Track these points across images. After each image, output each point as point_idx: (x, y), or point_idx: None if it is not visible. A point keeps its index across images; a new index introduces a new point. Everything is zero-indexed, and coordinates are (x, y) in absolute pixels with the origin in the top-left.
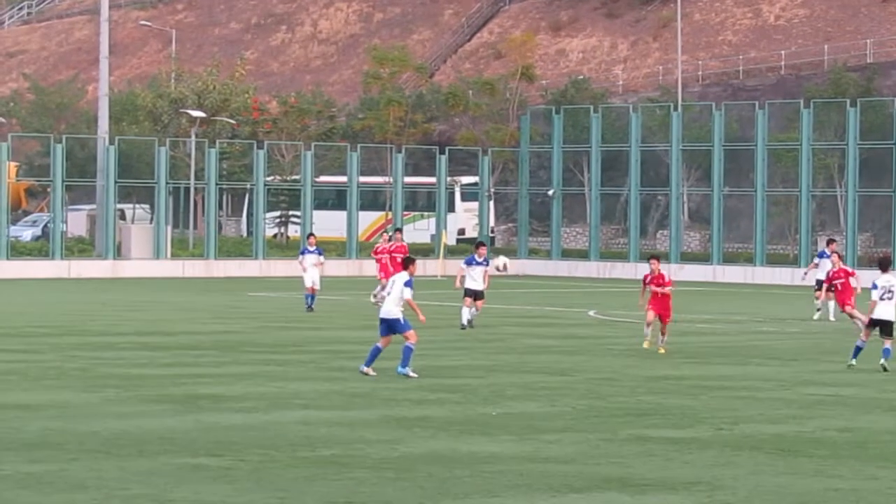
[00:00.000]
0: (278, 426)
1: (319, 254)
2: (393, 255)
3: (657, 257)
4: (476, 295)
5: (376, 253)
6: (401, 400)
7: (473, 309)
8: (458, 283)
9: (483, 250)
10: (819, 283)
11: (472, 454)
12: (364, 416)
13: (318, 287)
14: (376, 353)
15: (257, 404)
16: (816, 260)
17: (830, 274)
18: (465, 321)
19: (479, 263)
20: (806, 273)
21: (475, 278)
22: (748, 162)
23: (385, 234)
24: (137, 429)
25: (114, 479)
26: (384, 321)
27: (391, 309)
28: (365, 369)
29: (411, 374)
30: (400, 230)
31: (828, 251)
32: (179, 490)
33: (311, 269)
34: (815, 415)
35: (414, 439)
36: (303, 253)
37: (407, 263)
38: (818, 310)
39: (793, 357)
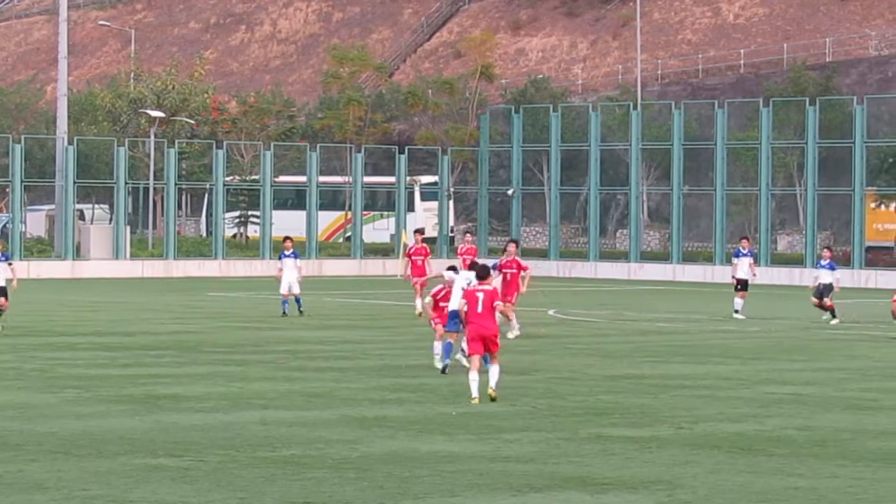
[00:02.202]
0: (238, 426)
1: (296, 257)
2: (412, 257)
3: (515, 242)
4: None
5: (409, 255)
6: (360, 400)
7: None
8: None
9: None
10: (739, 282)
11: (431, 454)
12: (324, 416)
13: (296, 291)
14: (450, 347)
15: (217, 404)
16: (734, 259)
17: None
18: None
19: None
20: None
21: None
22: (708, 161)
23: (417, 234)
24: (97, 429)
25: (73, 480)
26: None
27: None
28: (454, 359)
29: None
30: (420, 231)
31: (743, 250)
32: (139, 490)
33: (287, 273)
34: (775, 413)
35: (374, 439)
36: (281, 257)
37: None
38: (736, 310)
39: (753, 356)
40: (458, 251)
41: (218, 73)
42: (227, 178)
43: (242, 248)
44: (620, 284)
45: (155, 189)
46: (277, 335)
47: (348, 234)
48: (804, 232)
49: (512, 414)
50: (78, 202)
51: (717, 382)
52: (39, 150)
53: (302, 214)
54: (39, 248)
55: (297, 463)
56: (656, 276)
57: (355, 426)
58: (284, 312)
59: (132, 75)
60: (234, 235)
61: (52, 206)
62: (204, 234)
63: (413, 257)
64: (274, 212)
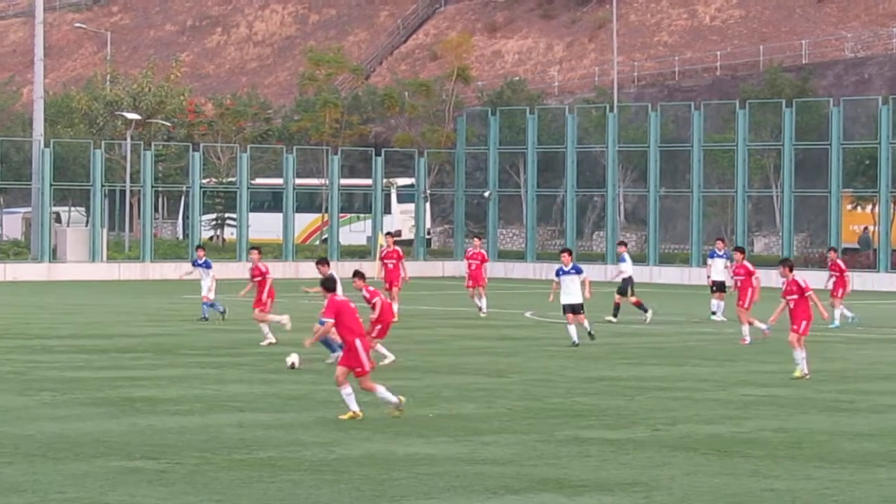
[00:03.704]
0: (214, 429)
1: (208, 267)
2: (384, 261)
3: (479, 236)
4: (574, 309)
5: (382, 259)
6: (337, 402)
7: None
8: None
9: (567, 258)
10: (716, 283)
11: (408, 456)
12: (300, 419)
13: (211, 297)
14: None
15: (193, 407)
16: (709, 260)
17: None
18: (574, 339)
19: (566, 273)
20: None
21: (569, 291)
22: (684, 163)
23: (388, 237)
24: (73, 432)
25: (49, 482)
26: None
27: None
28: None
29: None
30: (391, 234)
31: (718, 251)
32: (115, 493)
33: (205, 280)
34: (751, 415)
35: (350, 441)
36: (194, 265)
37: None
38: (713, 312)
39: (729, 358)
40: (466, 255)
41: (194, 76)
42: (204, 181)
43: (219, 250)
44: (597, 286)
45: (131, 191)
46: (253, 338)
47: (325, 236)
48: (781, 234)
49: (489, 416)
50: (54, 205)
51: (693, 384)
52: (16, 153)
53: (279, 217)
54: (15, 251)
55: (273, 465)
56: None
57: (332, 429)
58: (204, 317)
59: (108, 78)
60: (211, 238)
61: (29, 209)
62: (181, 237)
63: (385, 261)
64: (250, 214)
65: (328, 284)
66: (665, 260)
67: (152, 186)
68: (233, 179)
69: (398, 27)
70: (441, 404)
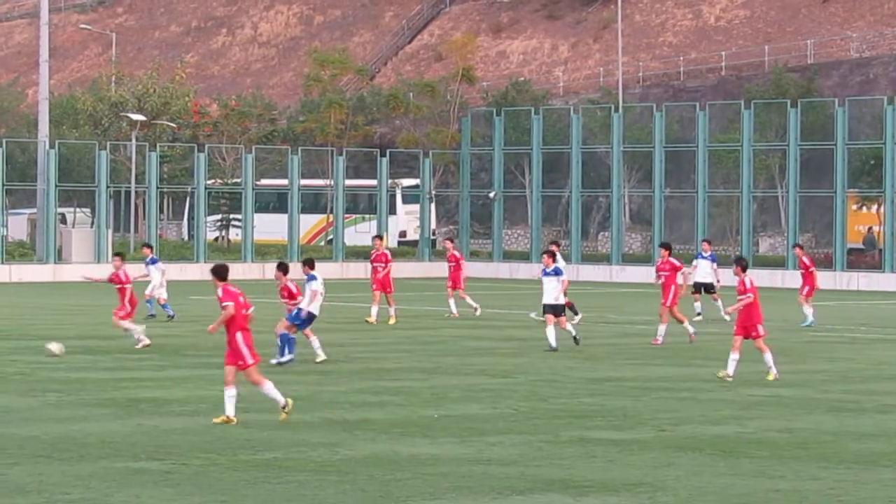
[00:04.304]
0: (219, 430)
1: (154, 263)
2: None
3: (380, 237)
4: (555, 310)
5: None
6: (342, 403)
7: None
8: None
9: (548, 259)
10: (697, 285)
11: (413, 456)
12: (305, 419)
13: (165, 296)
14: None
15: (198, 408)
16: (694, 262)
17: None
18: (552, 343)
19: (546, 274)
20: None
21: (549, 292)
22: (689, 163)
23: (377, 240)
24: (78, 433)
25: (55, 484)
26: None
27: None
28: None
29: None
30: (380, 237)
31: (704, 253)
32: (121, 494)
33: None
34: (756, 415)
35: (356, 442)
36: (146, 264)
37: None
38: (698, 313)
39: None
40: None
41: (199, 77)
42: (209, 182)
43: (224, 251)
44: (602, 287)
45: (136, 192)
46: (258, 338)
47: (330, 237)
48: (786, 234)
49: (494, 416)
50: (60, 206)
51: (698, 385)
52: (21, 154)
53: (284, 217)
54: (21, 252)
55: (278, 466)
56: (638, 279)
57: (337, 429)
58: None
59: (113, 79)
60: (216, 239)
61: (34, 210)
62: (186, 238)
63: (374, 264)
64: (256, 215)
65: (221, 273)
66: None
67: (157, 187)
68: (238, 180)
69: (403, 28)
70: (446, 405)
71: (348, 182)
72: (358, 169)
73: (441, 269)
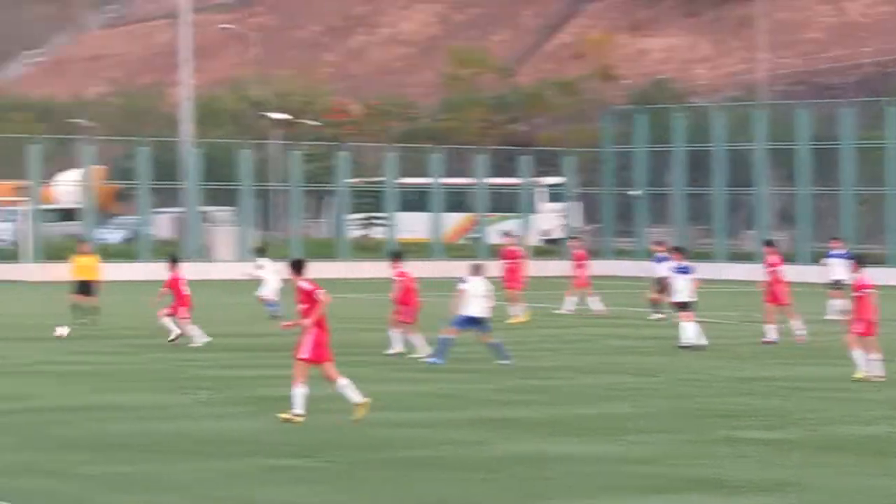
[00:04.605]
0: (366, 428)
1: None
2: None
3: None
4: (683, 307)
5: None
6: (488, 401)
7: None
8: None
9: (677, 256)
10: (833, 283)
11: (560, 455)
12: (451, 418)
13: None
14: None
15: (345, 406)
16: (824, 260)
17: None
18: (691, 340)
19: (676, 271)
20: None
21: (679, 289)
22: (834, 161)
23: (507, 237)
24: (226, 430)
25: (201, 481)
26: None
27: None
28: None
29: None
30: (508, 234)
31: (838, 251)
32: (265, 491)
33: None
34: None
35: (502, 440)
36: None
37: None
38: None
39: (888, 357)
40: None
41: (339, 76)
42: (351, 180)
43: (367, 249)
44: (748, 286)
45: (280, 191)
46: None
47: (474, 235)
48: None
49: (639, 415)
50: (204, 204)
51: (848, 385)
52: (165, 154)
53: (426, 216)
54: (167, 251)
55: (424, 464)
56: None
57: (483, 428)
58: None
59: (255, 78)
60: (360, 237)
61: (180, 209)
62: (328, 236)
63: (506, 261)
64: (398, 213)
65: (298, 267)
66: (816, 259)
67: (300, 186)
68: (380, 179)
69: (541, 26)
70: (591, 403)
71: (491, 180)
72: (500, 167)
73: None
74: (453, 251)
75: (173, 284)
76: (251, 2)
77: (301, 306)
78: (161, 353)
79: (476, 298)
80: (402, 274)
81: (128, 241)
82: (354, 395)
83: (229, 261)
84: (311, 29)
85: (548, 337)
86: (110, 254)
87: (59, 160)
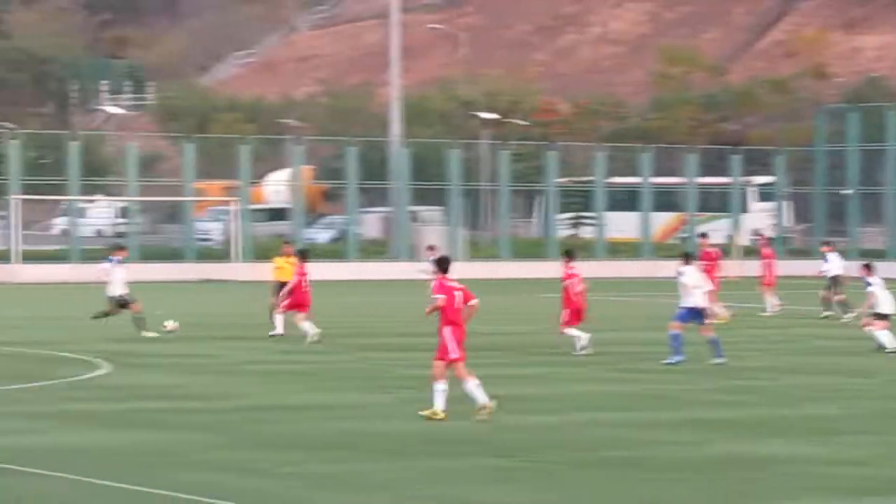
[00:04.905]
0: (573, 427)
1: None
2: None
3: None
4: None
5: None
6: (695, 402)
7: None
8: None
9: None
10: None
11: (766, 457)
12: (660, 418)
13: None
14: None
15: (552, 405)
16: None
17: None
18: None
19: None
20: None
21: (883, 300)
22: None
23: (702, 238)
24: (429, 429)
25: (407, 480)
26: None
27: None
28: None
29: None
30: (705, 235)
31: None
32: (474, 491)
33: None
34: None
35: (708, 441)
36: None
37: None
38: None
39: None
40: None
41: (548, 75)
42: (560, 180)
43: (576, 249)
44: None
45: (488, 191)
46: (613, 336)
47: (684, 234)
48: None
49: (848, 416)
50: (412, 204)
51: None
52: (374, 153)
53: (635, 216)
54: (375, 250)
55: (633, 465)
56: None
57: (690, 428)
58: None
59: (463, 78)
60: (568, 237)
61: (388, 209)
62: (537, 236)
63: (702, 262)
64: (607, 213)
65: (443, 265)
66: None
67: (509, 186)
68: (589, 178)
69: (753, 24)
70: (797, 404)
71: (700, 180)
72: (710, 166)
73: (794, 267)
74: (662, 251)
75: (299, 279)
76: (460, 2)
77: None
78: (367, 352)
79: (694, 289)
80: (570, 275)
81: (336, 240)
82: (482, 396)
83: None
84: (520, 28)
85: (756, 337)
86: (318, 253)
87: (268, 160)
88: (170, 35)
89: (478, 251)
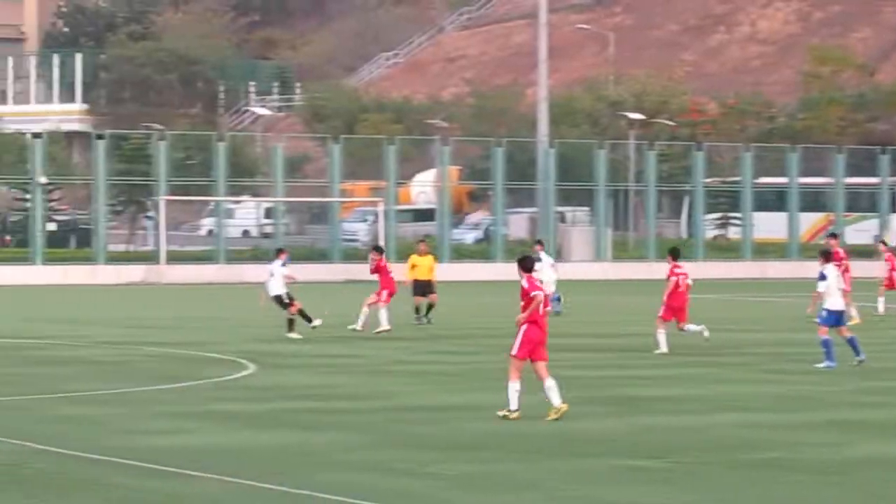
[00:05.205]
0: (716, 429)
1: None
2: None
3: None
4: None
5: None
6: (839, 403)
7: None
8: None
9: None
10: None
11: None
12: (804, 419)
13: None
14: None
15: (696, 406)
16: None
17: None
18: None
19: None
20: None
21: None
22: None
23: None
24: (575, 430)
25: (553, 480)
26: None
27: None
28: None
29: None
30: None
31: None
32: (618, 491)
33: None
34: None
35: (855, 442)
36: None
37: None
38: None
39: None
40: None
41: (696, 75)
42: (707, 180)
43: (723, 249)
44: None
45: (635, 191)
46: (758, 337)
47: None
48: None
49: None
50: (559, 205)
51: None
52: (520, 154)
53: (783, 216)
54: (521, 251)
55: (777, 466)
56: None
57: (837, 430)
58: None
59: (611, 78)
60: (715, 237)
61: (534, 209)
62: (684, 237)
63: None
64: (755, 213)
65: (526, 264)
66: None
67: (655, 186)
68: (736, 179)
69: None
70: None
71: (848, 180)
72: (858, 167)
73: None
74: (810, 251)
75: (381, 271)
76: (609, 1)
77: (522, 303)
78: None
79: (835, 290)
80: (674, 273)
81: (481, 241)
82: (556, 398)
83: (584, 261)
84: (669, 28)
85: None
86: (463, 254)
87: (414, 161)
88: (317, 36)
89: (624, 252)
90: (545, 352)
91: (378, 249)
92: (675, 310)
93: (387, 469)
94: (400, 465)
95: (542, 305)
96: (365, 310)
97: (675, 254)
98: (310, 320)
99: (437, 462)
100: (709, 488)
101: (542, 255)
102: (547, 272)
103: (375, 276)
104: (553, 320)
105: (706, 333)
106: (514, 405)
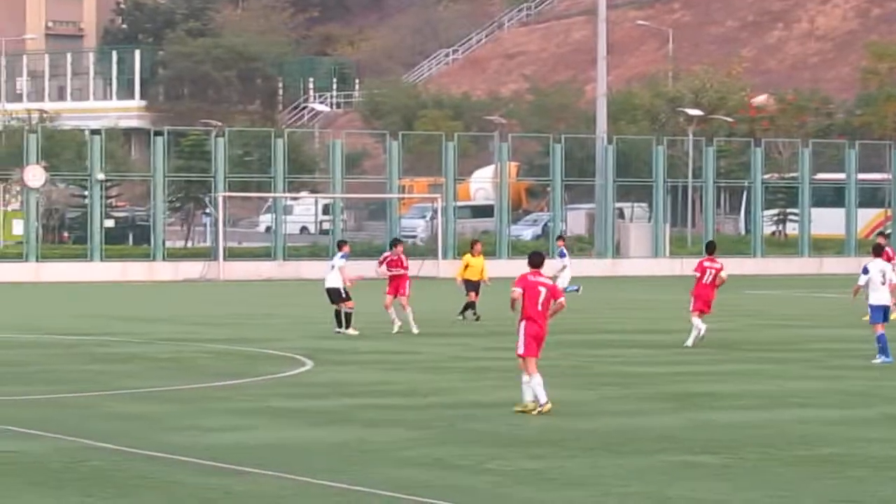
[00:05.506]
0: (776, 424)
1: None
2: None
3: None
4: None
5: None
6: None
7: None
8: None
9: None
10: None
11: None
12: (863, 415)
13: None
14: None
15: (754, 402)
16: None
17: None
18: None
19: None
20: None
21: None
22: None
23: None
24: (634, 426)
25: (611, 476)
26: None
27: None
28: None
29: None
30: (884, 235)
31: None
32: (677, 487)
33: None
34: None
35: None
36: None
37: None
38: None
39: None
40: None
41: (755, 71)
42: (765, 176)
43: (781, 245)
44: None
45: (693, 187)
46: (817, 333)
47: (888, 231)
48: None
49: None
50: (617, 200)
51: None
52: (579, 150)
53: (841, 212)
54: (580, 247)
55: (836, 462)
56: None
57: (894, 425)
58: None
59: (670, 74)
60: (773, 233)
61: (592, 205)
62: (742, 233)
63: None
64: (812, 209)
65: (532, 260)
66: None
67: (714, 182)
68: (794, 175)
69: None
70: None
71: None
72: None
73: None
74: (867, 247)
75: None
76: None
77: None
78: (570, 349)
79: (878, 284)
80: (701, 268)
81: (539, 237)
82: (529, 395)
83: (642, 257)
84: (728, 25)
85: None
86: (521, 250)
87: (473, 157)
88: (376, 32)
89: (682, 248)
90: (536, 350)
91: (400, 241)
92: (705, 302)
93: (445, 465)
94: (458, 462)
95: (541, 303)
96: (390, 312)
97: (710, 248)
98: (345, 326)
99: (495, 458)
100: (769, 484)
101: (564, 250)
102: (562, 267)
103: (395, 272)
104: (611, 317)
105: (692, 340)
106: (542, 398)
